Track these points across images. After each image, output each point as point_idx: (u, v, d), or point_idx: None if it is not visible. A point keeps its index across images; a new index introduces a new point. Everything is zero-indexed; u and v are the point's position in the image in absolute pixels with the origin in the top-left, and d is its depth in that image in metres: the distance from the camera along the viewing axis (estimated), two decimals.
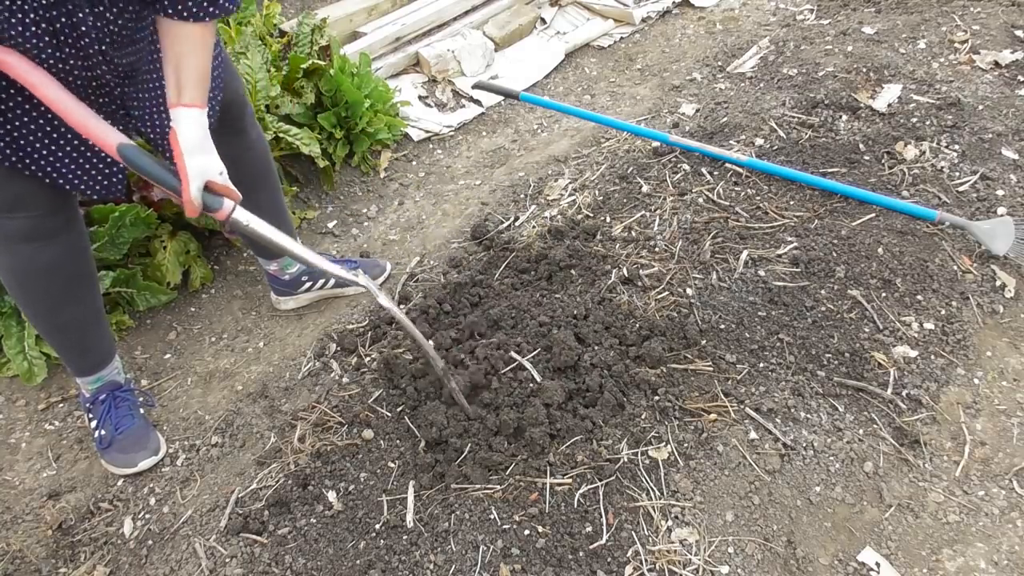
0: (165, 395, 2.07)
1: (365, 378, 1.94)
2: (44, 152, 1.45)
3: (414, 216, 2.69)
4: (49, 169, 1.48)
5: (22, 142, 1.42)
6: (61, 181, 1.50)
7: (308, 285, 2.24)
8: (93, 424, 1.86)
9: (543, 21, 3.73)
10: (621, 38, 3.64)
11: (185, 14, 1.34)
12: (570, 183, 2.62)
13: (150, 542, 1.69)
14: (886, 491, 1.60)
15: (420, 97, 3.32)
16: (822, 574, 1.48)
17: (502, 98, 3.25)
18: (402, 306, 2.17)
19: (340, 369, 2.02)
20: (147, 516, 1.75)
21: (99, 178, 1.55)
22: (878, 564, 1.48)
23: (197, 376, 2.11)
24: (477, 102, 3.27)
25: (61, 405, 2.05)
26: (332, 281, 2.26)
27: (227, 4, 1.38)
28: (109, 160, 1.53)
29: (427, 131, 3.11)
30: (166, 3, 1.33)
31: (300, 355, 2.12)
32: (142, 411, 1.93)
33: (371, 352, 2.03)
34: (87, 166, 1.52)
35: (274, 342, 2.20)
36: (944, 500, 1.59)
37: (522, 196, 2.63)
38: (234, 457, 1.85)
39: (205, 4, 1.34)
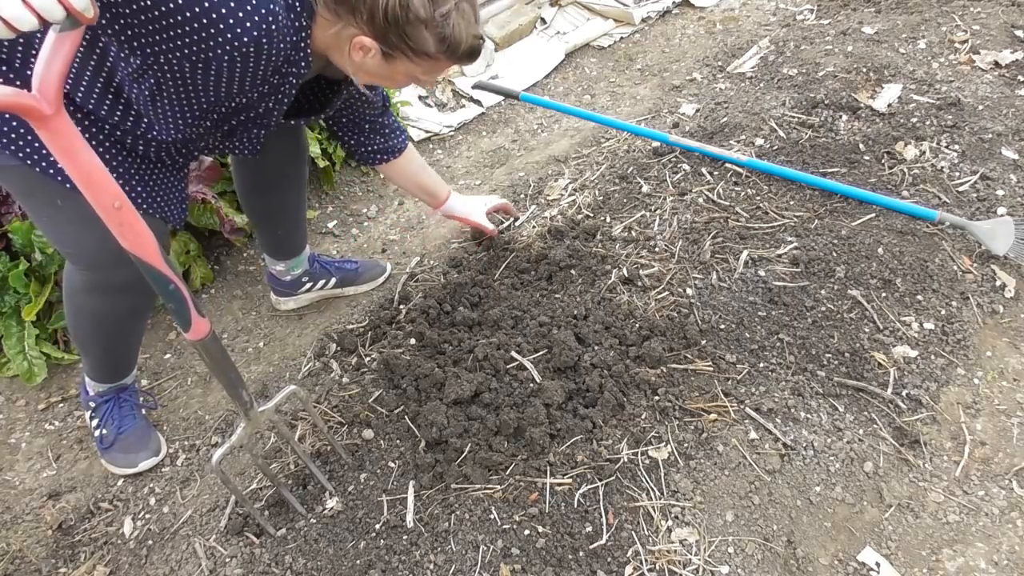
0: (165, 395, 2.07)
1: (365, 378, 1.94)
2: (162, 191, 1.51)
3: (414, 216, 2.69)
4: (162, 202, 1.52)
5: (150, 185, 1.48)
6: (168, 213, 1.54)
7: (308, 286, 2.24)
8: (94, 423, 1.86)
9: (543, 21, 3.73)
10: (621, 38, 3.64)
11: (389, 157, 1.89)
12: (570, 183, 2.62)
13: (150, 542, 1.69)
14: (886, 491, 1.60)
15: (420, 97, 3.32)
16: (822, 574, 1.48)
17: (502, 98, 3.25)
18: (402, 306, 2.17)
19: (340, 369, 2.02)
20: (147, 516, 1.75)
21: (182, 207, 1.60)
22: (878, 564, 1.48)
23: (197, 376, 2.11)
24: (477, 102, 3.27)
25: (61, 405, 2.05)
26: (332, 281, 2.26)
27: (404, 134, 1.91)
28: (183, 187, 1.60)
29: (427, 131, 3.11)
30: (369, 158, 1.88)
31: (300, 355, 2.12)
32: (143, 411, 1.93)
33: (371, 352, 2.03)
34: (177, 195, 1.58)
35: (274, 342, 2.20)
36: (944, 500, 1.59)
37: (522, 196, 2.63)
38: (234, 457, 1.85)
39: (388, 148, 1.87)
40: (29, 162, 1.31)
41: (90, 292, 1.54)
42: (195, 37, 1.08)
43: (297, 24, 1.22)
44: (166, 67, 1.15)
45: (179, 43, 1.09)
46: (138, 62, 1.15)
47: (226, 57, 1.13)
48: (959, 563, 1.49)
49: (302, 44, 1.26)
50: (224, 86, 1.22)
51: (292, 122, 1.55)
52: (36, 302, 2.00)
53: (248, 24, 1.09)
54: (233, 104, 1.31)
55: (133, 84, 1.21)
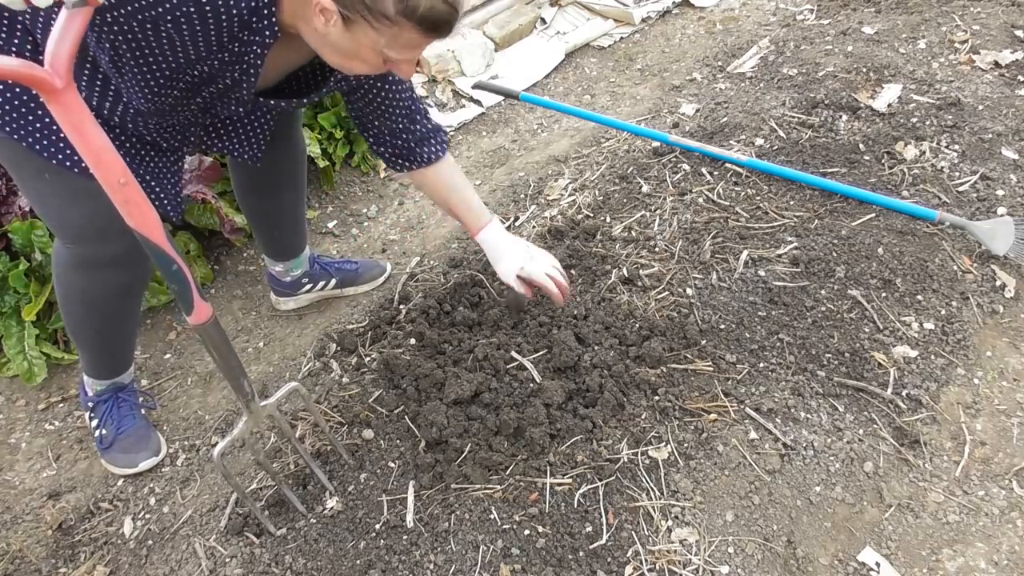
0: (165, 395, 2.07)
1: (365, 378, 1.94)
2: (159, 177, 1.52)
3: (414, 216, 2.69)
4: (159, 191, 1.52)
5: (140, 171, 1.48)
6: (160, 202, 1.53)
7: (308, 287, 2.24)
8: (94, 423, 1.86)
9: (543, 21, 3.73)
10: (621, 38, 3.64)
11: (410, 165, 1.68)
12: (570, 183, 2.62)
13: (150, 542, 1.69)
14: (886, 491, 1.60)
15: (420, 97, 3.32)
16: (822, 574, 1.48)
17: (502, 98, 3.25)
18: (402, 306, 2.17)
19: (340, 369, 2.02)
20: (147, 516, 1.75)
21: (178, 199, 1.60)
22: (878, 564, 1.48)
23: (197, 376, 2.11)
24: (477, 102, 3.27)
25: (61, 405, 2.05)
26: (333, 282, 2.26)
27: (439, 147, 1.68)
28: (176, 180, 1.59)
29: None
30: (388, 162, 1.69)
31: (300, 355, 2.12)
32: (143, 411, 1.93)
33: (371, 352, 2.03)
34: (171, 188, 1.58)
35: (274, 342, 2.20)
36: (944, 500, 1.59)
37: (522, 196, 2.63)
38: (234, 457, 1.85)
39: (410, 155, 1.66)
40: (16, 136, 1.33)
41: (76, 267, 1.55)
42: None
43: None
44: (115, 27, 1.14)
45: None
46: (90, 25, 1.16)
47: (169, 17, 1.12)
48: (959, 563, 1.49)
49: (265, 11, 1.21)
50: (180, 50, 1.20)
51: (282, 103, 1.50)
52: (36, 302, 2.00)
53: None
54: (196, 72, 1.29)
55: (98, 50, 1.22)
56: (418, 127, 1.66)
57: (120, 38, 1.16)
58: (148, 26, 1.13)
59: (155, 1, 1.09)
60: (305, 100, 1.50)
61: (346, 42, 1.20)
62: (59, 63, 0.99)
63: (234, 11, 1.16)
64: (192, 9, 1.12)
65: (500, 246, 1.74)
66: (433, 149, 1.69)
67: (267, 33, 1.24)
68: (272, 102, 1.46)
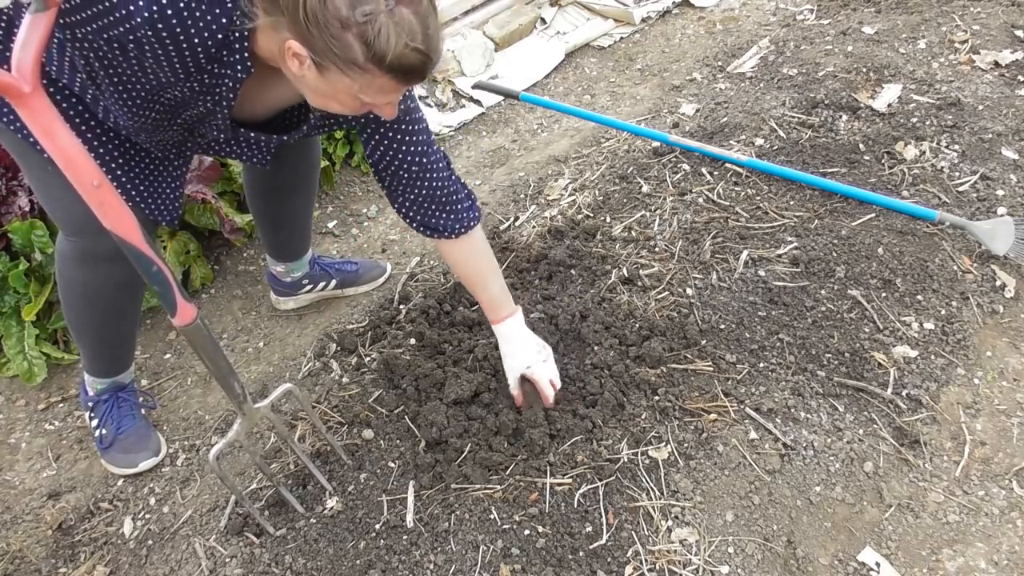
0: (165, 395, 2.07)
1: (365, 378, 1.94)
2: (147, 183, 1.52)
3: None
4: (148, 196, 1.53)
5: (136, 172, 1.49)
6: (154, 207, 1.54)
7: (309, 287, 2.24)
8: (94, 423, 1.86)
9: (543, 21, 3.73)
10: (621, 38, 3.64)
11: (430, 233, 1.62)
12: (570, 183, 2.62)
13: (150, 542, 1.69)
14: (886, 491, 1.60)
15: (420, 97, 3.32)
16: (822, 574, 1.48)
17: (502, 98, 3.25)
18: (402, 306, 2.17)
19: (340, 369, 2.02)
20: (147, 516, 1.75)
21: (173, 205, 1.60)
22: (878, 564, 1.48)
23: (197, 376, 2.11)
24: (477, 102, 3.27)
25: (61, 405, 2.05)
26: (333, 283, 2.26)
27: (459, 221, 1.61)
28: (176, 186, 1.59)
29: None
30: (411, 225, 1.62)
31: (300, 355, 2.12)
32: (143, 411, 1.93)
33: (371, 352, 2.03)
34: (168, 193, 1.58)
35: (274, 342, 2.20)
36: (944, 500, 1.59)
37: (522, 196, 2.63)
38: (234, 457, 1.85)
39: (428, 224, 1.61)
40: (12, 128, 1.36)
41: (78, 261, 1.55)
42: (95, 11, 1.09)
43: (223, 21, 1.15)
44: (86, 44, 1.15)
45: (84, 16, 1.10)
46: (61, 36, 1.16)
47: (131, 37, 1.11)
48: (959, 563, 1.49)
49: (236, 45, 1.19)
50: (151, 73, 1.20)
51: (262, 137, 1.47)
52: (36, 302, 2.00)
53: (141, 3, 1.07)
54: (170, 96, 1.28)
55: (81, 61, 1.23)
56: (436, 190, 1.57)
57: (92, 55, 1.17)
58: (115, 46, 1.13)
59: (116, 21, 1.09)
60: (285, 137, 1.47)
61: (322, 86, 1.19)
62: (25, 68, 1.00)
63: (196, 41, 1.14)
64: (151, 33, 1.10)
65: (515, 341, 1.71)
66: (450, 221, 1.61)
67: (239, 68, 1.22)
68: (252, 134, 1.43)
